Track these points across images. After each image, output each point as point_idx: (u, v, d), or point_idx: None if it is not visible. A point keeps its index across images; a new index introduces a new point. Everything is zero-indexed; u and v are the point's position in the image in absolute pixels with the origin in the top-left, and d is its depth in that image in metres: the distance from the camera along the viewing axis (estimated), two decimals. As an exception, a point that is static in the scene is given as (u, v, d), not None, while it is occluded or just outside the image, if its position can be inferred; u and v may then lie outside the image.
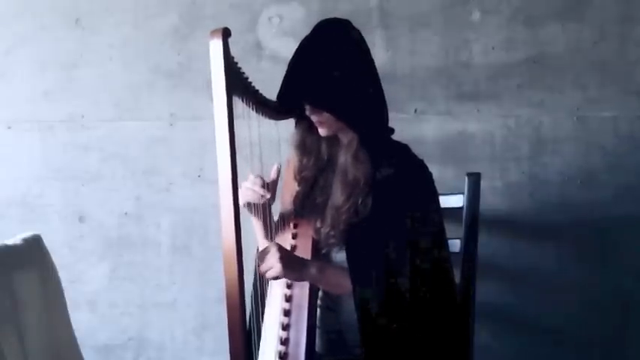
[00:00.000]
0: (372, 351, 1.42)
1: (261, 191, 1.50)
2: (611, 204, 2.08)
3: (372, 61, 1.48)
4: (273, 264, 1.38)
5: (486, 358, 1.95)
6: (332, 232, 1.49)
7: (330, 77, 1.41)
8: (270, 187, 1.54)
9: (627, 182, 2.07)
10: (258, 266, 1.41)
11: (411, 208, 1.44)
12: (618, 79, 2.06)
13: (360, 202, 1.46)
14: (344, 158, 1.49)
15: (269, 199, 1.54)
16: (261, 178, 1.51)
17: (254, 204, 1.54)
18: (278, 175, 1.58)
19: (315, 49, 1.44)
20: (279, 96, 1.46)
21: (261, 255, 1.40)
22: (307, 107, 1.46)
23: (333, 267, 1.50)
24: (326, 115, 1.45)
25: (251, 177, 1.51)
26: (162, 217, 2.18)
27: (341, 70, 1.42)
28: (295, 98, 1.45)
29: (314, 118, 1.47)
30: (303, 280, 1.47)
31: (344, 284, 1.44)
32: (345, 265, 1.46)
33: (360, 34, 1.48)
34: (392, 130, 1.53)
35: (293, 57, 1.46)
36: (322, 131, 1.49)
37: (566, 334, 2.12)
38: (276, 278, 1.41)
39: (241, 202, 1.49)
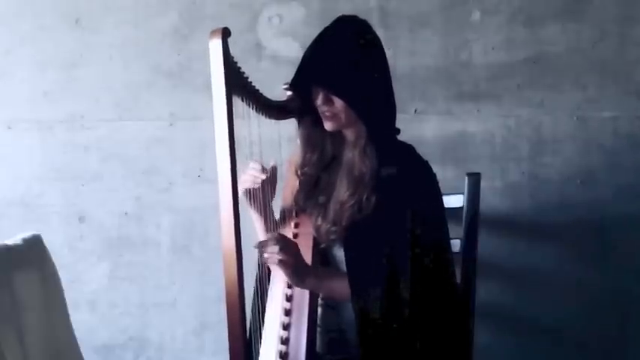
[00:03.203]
0: (371, 351, 1.42)
1: (257, 173, 1.51)
2: (611, 204, 2.08)
3: (387, 63, 1.48)
4: (287, 256, 1.37)
5: (486, 358, 1.95)
6: (333, 229, 1.49)
7: (348, 66, 1.41)
8: (270, 180, 1.54)
9: (627, 182, 2.07)
10: (269, 245, 1.38)
11: (415, 208, 1.43)
12: (618, 79, 2.06)
13: (364, 198, 1.45)
14: (351, 154, 1.49)
15: (268, 186, 1.54)
16: (260, 164, 1.52)
17: (253, 196, 1.54)
18: (276, 171, 1.58)
19: (336, 39, 1.44)
20: (293, 79, 1.46)
21: (278, 238, 1.39)
22: (319, 96, 1.44)
23: (333, 277, 1.49)
24: (337, 107, 1.44)
25: (250, 164, 1.52)
26: (163, 217, 2.18)
27: (359, 61, 1.42)
28: (310, 82, 1.45)
29: (323, 109, 1.45)
30: (302, 286, 1.45)
31: (344, 293, 1.44)
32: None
33: (378, 36, 1.49)
34: (398, 131, 1.53)
35: (312, 43, 1.46)
36: (328, 125, 1.47)
37: (566, 334, 2.12)
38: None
39: (240, 190, 1.48)
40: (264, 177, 1.51)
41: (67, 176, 2.17)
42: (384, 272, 1.41)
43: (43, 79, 2.15)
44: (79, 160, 2.17)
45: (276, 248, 1.37)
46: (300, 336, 1.41)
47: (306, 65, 1.46)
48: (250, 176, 1.52)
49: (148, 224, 2.18)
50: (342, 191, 1.49)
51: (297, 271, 1.40)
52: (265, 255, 1.38)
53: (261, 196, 1.54)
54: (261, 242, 1.39)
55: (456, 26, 2.07)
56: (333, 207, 1.51)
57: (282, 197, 1.66)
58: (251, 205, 1.56)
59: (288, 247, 1.39)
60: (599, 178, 2.08)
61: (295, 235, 1.58)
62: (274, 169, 1.57)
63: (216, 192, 1.22)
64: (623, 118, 2.07)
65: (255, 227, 1.62)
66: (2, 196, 2.17)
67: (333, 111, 1.45)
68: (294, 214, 1.62)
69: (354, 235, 1.46)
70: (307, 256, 1.51)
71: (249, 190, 1.54)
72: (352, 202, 1.46)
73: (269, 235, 1.44)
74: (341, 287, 1.44)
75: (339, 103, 1.44)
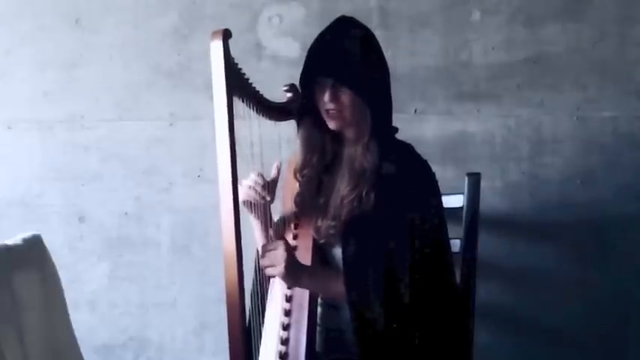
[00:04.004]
0: (369, 351, 1.42)
1: (263, 192, 1.50)
2: (611, 204, 2.08)
3: (386, 63, 1.50)
4: (277, 262, 1.38)
5: (486, 358, 1.95)
6: (333, 223, 1.49)
7: (355, 60, 1.42)
8: (271, 186, 1.54)
9: (627, 182, 2.07)
10: (261, 259, 1.40)
11: (414, 207, 1.44)
12: (618, 79, 2.06)
13: (364, 193, 1.46)
14: (353, 149, 1.50)
15: (269, 200, 1.54)
16: (262, 177, 1.51)
17: (253, 206, 1.54)
18: (278, 174, 1.58)
19: (340, 35, 1.45)
20: (302, 74, 1.47)
21: (266, 249, 1.40)
22: (326, 93, 1.45)
23: (330, 275, 1.49)
24: (343, 102, 1.45)
25: (252, 176, 1.51)
26: (162, 217, 2.18)
27: (365, 57, 1.43)
28: (320, 74, 1.46)
29: (330, 106, 1.46)
30: (298, 286, 1.46)
31: (341, 292, 1.44)
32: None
33: (376, 37, 1.51)
34: (396, 129, 1.54)
35: (317, 40, 1.47)
36: (332, 124, 1.48)
37: (566, 334, 2.12)
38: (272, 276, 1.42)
39: (240, 199, 1.48)
40: (268, 198, 1.52)
41: (67, 176, 2.17)
42: (381, 270, 1.41)
43: (43, 79, 2.15)
44: (79, 160, 2.17)
45: (265, 261, 1.39)
46: (300, 337, 1.41)
47: (314, 60, 1.47)
48: (252, 191, 1.51)
49: (148, 224, 2.18)
50: (342, 186, 1.50)
51: (289, 272, 1.40)
52: (263, 264, 1.40)
53: (261, 206, 1.54)
54: (263, 248, 1.42)
55: (456, 26, 2.07)
56: (333, 203, 1.52)
57: (282, 198, 1.66)
58: (250, 212, 1.57)
59: (273, 256, 1.39)
60: (599, 177, 2.08)
61: (295, 237, 1.58)
62: (274, 182, 1.56)
63: (216, 192, 1.22)
64: (623, 118, 2.07)
65: (253, 229, 1.62)
66: (2, 196, 2.17)
67: (339, 108, 1.46)
68: (293, 215, 1.62)
69: (352, 231, 1.47)
70: (306, 257, 1.51)
71: (250, 201, 1.54)
72: (352, 196, 1.47)
73: (272, 242, 1.44)
74: (338, 285, 1.44)
75: (346, 98, 1.44)
